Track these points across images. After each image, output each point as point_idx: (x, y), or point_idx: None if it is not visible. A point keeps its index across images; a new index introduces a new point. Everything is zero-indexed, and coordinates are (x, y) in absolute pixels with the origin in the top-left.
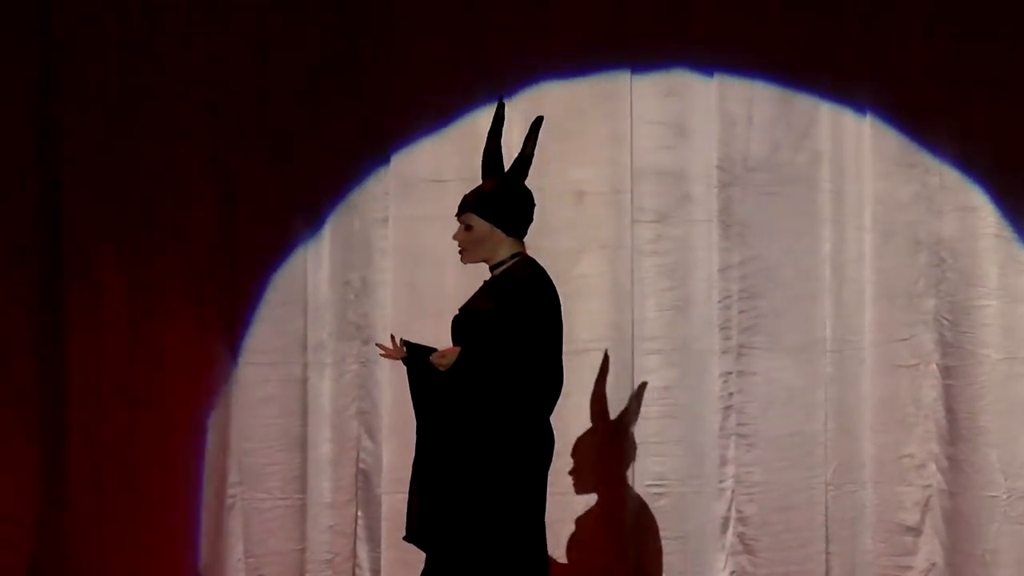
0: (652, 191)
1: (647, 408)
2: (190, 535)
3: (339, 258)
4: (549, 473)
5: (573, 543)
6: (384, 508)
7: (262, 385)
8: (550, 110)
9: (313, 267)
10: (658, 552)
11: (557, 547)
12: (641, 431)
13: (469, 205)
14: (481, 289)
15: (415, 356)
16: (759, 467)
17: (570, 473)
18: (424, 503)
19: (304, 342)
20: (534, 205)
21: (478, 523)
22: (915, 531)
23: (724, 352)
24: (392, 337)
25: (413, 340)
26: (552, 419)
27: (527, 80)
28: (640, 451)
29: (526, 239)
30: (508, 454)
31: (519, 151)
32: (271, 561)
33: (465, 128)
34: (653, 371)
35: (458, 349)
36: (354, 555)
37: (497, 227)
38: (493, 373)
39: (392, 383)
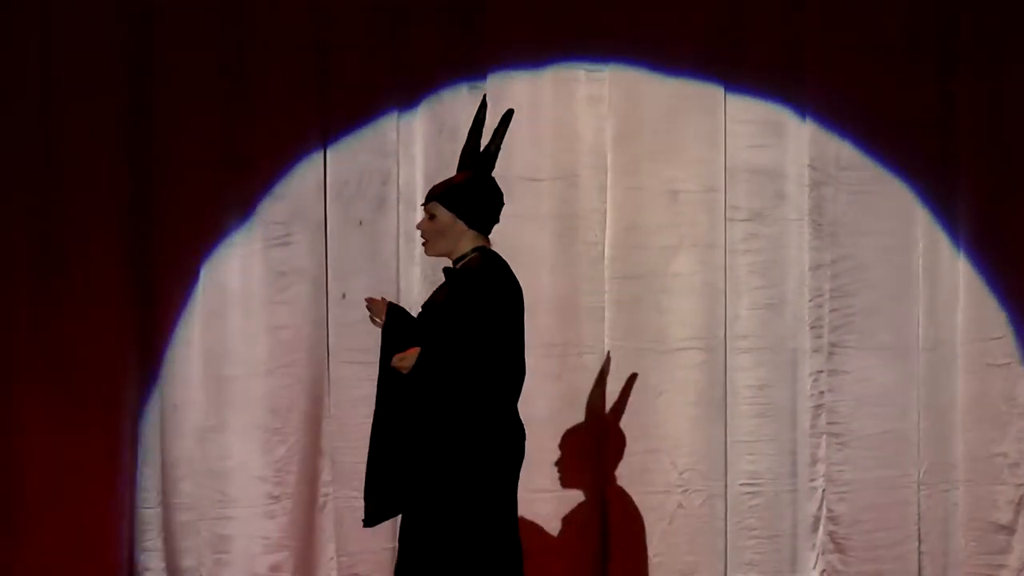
0: (745, 190)
1: (740, 407)
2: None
3: (430, 257)
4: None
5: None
6: None
7: (357, 384)
8: (647, 101)
9: (405, 266)
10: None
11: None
12: (733, 430)
13: (435, 195)
14: (442, 283)
15: (393, 323)
16: (850, 466)
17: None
18: (384, 485)
19: None
20: (502, 203)
21: (451, 520)
22: (1008, 530)
23: (815, 351)
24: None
25: None
26: (642, 415)
27: (621, 58)
28: (732, 450)
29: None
30: (475, 449)
31: (488, 143)
32: (364, 560)
33: (562, 127)
34: (745, 369)
35: (418, 350)
36: None
37: (459, 218)
38: (452, 367)
39: None
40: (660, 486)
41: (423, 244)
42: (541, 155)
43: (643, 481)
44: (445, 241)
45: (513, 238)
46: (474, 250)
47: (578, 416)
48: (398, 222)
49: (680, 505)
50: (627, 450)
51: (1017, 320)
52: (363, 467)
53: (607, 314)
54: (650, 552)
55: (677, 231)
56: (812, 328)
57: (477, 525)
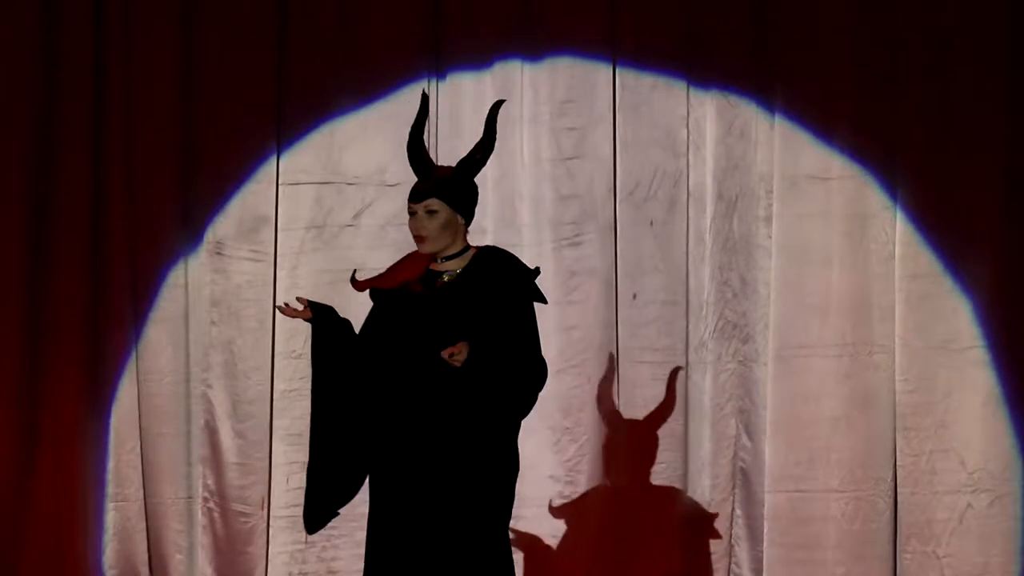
0: None
1: None
2: None
3: (717, 258)
4: None
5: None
6: (767, 507)
7: (647, 384)
8: None
9: (695, 266)
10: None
11: None
12: None
13: (432, 191)
14: (456, 280)
15: (321, 317)
16: None
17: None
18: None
19: (687, 341)
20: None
21: (469, 528)
22: None
23: None
24: (297, 300)
25: (797, 337)
26: (932, 414)
27: None
28: None
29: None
30: (505, 449)
31: (480, 137)
32: None
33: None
34: None
35: (467, 345)
36: (730, 553)
37: (459, 214)
38: (511, 363)
39: (774, 380)
40: (949, 486)
41: (420, 241)
42: (830, 153)
43: (932, 481)
44: (446, 237)
45: (802, 237)
46: (467, 247)
47: (868, 416)
48: (687, 222)
49: (969, 505)
50: (916, 450)
51: None
52: (656, 467)
53: (897, 313)
54: (939, 552)
55: None
56: None
57: (492, 535)
